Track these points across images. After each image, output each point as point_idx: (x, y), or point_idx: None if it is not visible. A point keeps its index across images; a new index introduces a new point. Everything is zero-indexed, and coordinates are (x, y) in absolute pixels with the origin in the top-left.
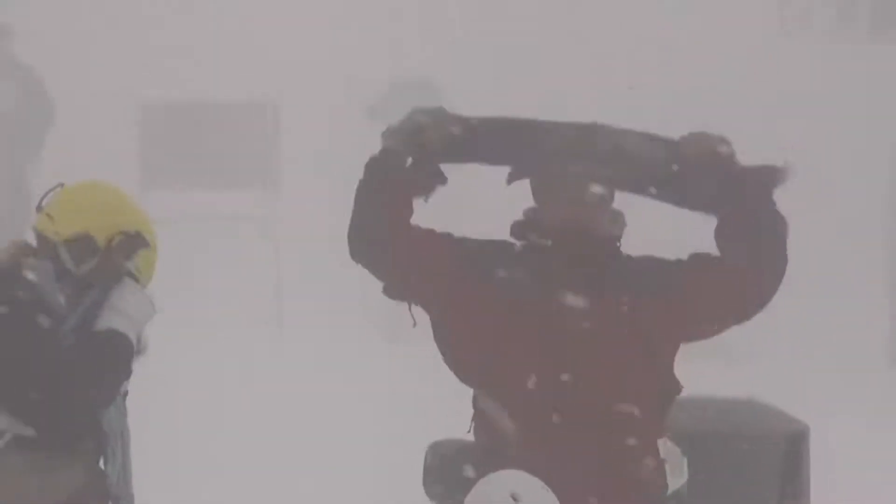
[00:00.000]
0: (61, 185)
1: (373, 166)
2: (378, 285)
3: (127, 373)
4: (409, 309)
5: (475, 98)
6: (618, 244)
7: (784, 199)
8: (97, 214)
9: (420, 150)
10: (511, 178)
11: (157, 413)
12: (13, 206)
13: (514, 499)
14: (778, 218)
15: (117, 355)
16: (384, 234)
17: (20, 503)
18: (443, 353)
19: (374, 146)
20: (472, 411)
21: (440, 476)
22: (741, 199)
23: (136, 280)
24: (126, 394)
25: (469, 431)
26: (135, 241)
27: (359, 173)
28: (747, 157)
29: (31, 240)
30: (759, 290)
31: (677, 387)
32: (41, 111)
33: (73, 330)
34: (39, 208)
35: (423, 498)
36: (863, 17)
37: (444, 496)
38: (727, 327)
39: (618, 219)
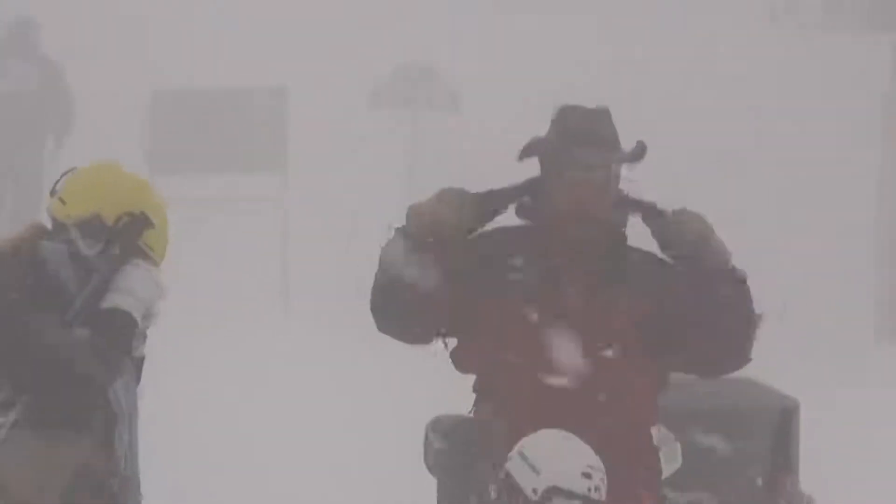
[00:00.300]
0: (74, 169)
1: (396, 245)
2: None
3: (128, 349)
4: (444, 342)
5: (474, 83)
6: (623, 231)
7: (777, 186)
8: (106, 196)
9: (440, 234)
10: (522, 155)
11: (163, 397)
12: (30, 190)
13: (567, 439)
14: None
15: (119, 332)
16: (408, 301)
17: (30, 477)
18: (454, 359)
19: (377, 131)
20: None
21: (441, 451)
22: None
23: (149, 259)
24: (143, 359)
25: (470, 412)
26: (139, 222)
27: (363, 157)
28: (737, 146)
29: (48, 222)
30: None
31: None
32: (61, 98)
33: (80, 308)
34: (53, 192)
35: (424, 472)
36: (848, 7)
37: (443, 469)
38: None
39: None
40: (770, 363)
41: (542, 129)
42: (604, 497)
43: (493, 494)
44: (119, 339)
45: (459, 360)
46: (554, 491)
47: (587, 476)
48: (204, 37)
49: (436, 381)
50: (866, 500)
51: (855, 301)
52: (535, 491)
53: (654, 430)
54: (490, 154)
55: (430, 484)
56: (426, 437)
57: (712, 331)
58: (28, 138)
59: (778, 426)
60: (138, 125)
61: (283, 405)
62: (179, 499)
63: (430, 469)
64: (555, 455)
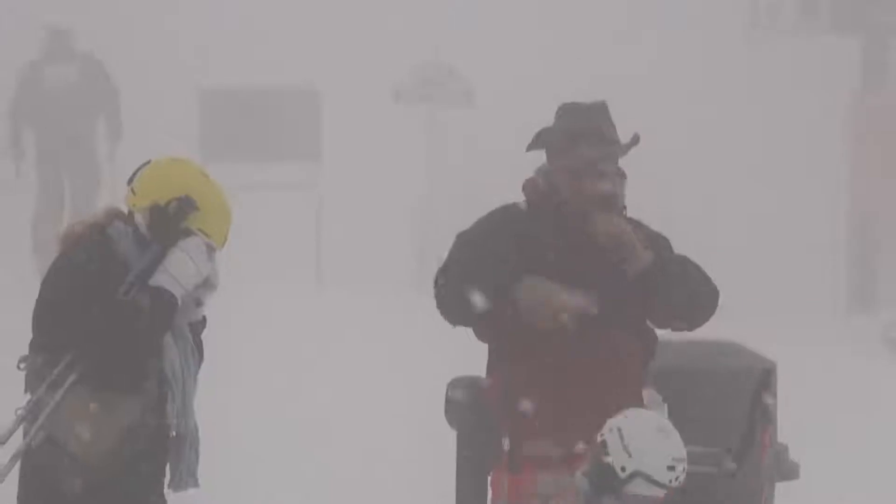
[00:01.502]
0: (149, 161)
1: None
2: (404, 245)
3: (168, 322)
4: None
5: (487, 81)
6: (622, 205)
7: (765, 172)
8: (166, 186)
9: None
10: (530, 147)
11: (212, 358)
12: (87, 180)
13: (661, 430)
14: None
15: (157, 307)
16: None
17: (82, 431)
18: (475, 329)
19: (400, 124)
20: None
21: (459, 407)
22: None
23: (205, 241)
24: (202, 322)
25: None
26: (184, 205)
27: (387, 147)
28: (726, 135)
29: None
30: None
31: (655, 337)
32: (104, 89)
33: (132, 284)
34: (130, 182)
35: (445, 426)
36: (824, 11)
37: (462, 423)
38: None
39: (618, 181)
40: (753, 331)
41: (546, 122)
42: (682, 483)
43: (505, 446)
44: (158, 313)
45: (479, 330)
46: (639, 474)
47: (671, 469)
48: (251, 43)
49: (454, 333)
50: (836, 450)
51: (830, 277)
52: (623, 469)
53: (644, 393)
54: (501, 144)
55: (451, 436)
56: (447, 395)
57: (687, 291)
58: (78, 130)
59: (758, 384)
60: (190, 118)
61: (315, 369)
62: (225, 456)
63: (450, 423)
64: (648, 443)
